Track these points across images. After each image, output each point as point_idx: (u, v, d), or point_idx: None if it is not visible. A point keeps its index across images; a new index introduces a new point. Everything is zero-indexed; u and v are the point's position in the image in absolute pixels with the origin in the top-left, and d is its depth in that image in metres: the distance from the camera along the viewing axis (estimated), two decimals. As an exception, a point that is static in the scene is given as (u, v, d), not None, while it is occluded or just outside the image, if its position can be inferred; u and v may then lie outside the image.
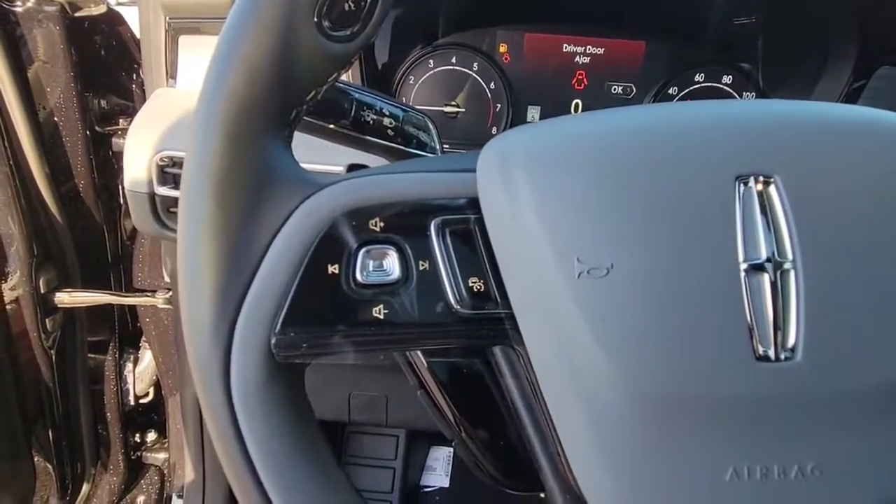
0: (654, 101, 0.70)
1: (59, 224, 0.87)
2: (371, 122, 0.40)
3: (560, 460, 0.30)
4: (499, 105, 0.72)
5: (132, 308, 1.01)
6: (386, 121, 0.41)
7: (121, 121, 0.91)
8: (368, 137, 0.41)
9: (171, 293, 0.91)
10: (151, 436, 1.10)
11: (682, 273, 0.26)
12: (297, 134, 0.32)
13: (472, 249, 0.29)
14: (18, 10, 0.77)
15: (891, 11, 0.62)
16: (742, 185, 0.27)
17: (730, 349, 0.26)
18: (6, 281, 0.82)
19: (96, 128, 0.89)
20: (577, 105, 0.73)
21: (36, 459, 0.91)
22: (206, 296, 0.27)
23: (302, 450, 0.29)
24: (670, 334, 0.26)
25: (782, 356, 0.26)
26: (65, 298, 0.88)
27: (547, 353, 0.28)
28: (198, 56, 0.62)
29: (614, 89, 0.72)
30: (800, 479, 0.26)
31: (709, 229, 0.27)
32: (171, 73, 0.63)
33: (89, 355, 0.98)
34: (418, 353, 0.33)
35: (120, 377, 1.02)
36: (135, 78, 0.90)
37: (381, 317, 0.29)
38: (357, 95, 0.39)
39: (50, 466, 0.94)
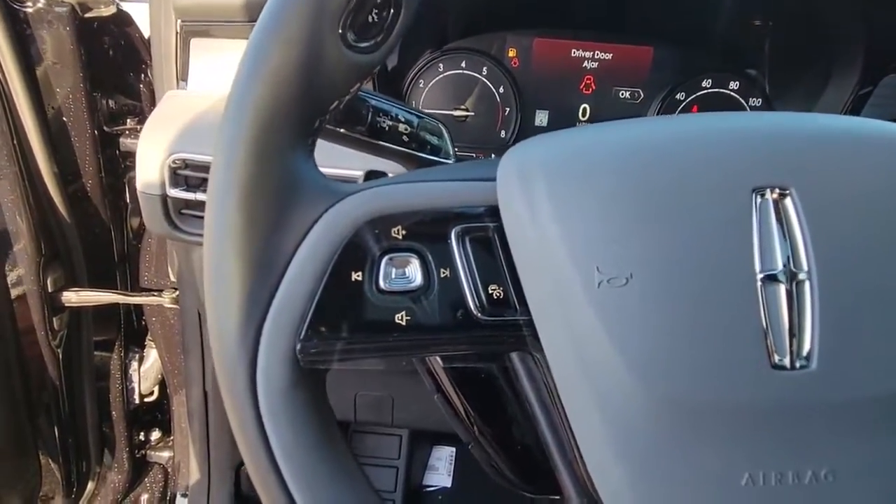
0: (661, 107, 0.71)
1: (66, 223, 0.87)
2: (387, 128, 0.40)
3: (577, 464, 0.30)
4: (507, 109, 0.73)
5: (138, 307, 1.01)
6: (401, 127, 0.41)
7: (128, 121, 0.91)
8: (384, 143, 0.41)
9: (177, 293, 0.91)
10: (156, 434, 1.10)
11: (699, 282, 0.27)
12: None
13: (492, 257, 0.30)
14: (29, 10, 0.77)
15: (898, 18, 0.63)
16: (759, 196, 0.28)
17: (746, 357, 0.27)
18: (14, 279, 0.83)
19: (104, 128, 0.89)
20: (584, 109, 0.73)
21: (41, 457, 0.91)
22: (234, 303, 0.28)
23: (325, 451, 0.30)
24: (687, 342, 0.27)
25: (797, 364, 0.26)
26: (72, 297, 0.88)
27: (565, 359, 0.28)
28: (209, 59, 0.62)
29: (622, 94, 0.72)
30: (814, 484, 0.26)
31: (726, 240, 0.27)
32: (182, 76, 0.63)
33: (95, 354, 0.98)
34: (436, 357, 0.33)
35: (125, 376, 1.02)
36: (143, 78, 0.91)
37: (404, 323, 0.29)
38: (374, 102, 0.40)
39: (55, 464, 0.94)
